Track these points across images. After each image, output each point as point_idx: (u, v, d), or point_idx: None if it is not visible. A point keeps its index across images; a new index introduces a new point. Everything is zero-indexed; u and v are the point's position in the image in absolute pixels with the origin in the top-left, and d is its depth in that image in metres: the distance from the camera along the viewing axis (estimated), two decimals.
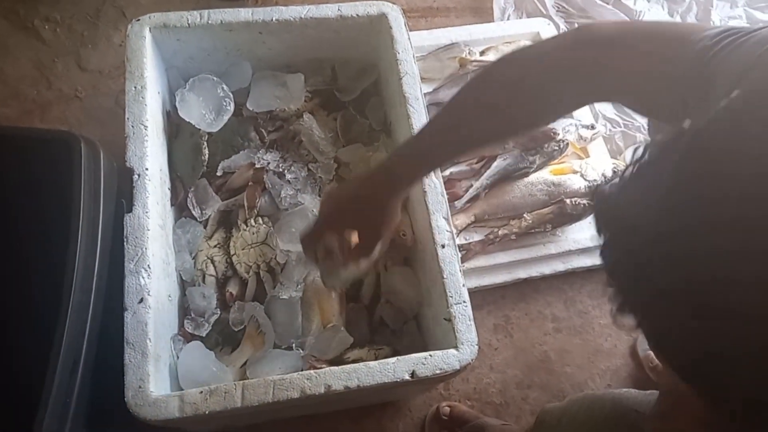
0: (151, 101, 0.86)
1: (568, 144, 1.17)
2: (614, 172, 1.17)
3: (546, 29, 1.33)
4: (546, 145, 1.15)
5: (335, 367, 0.72)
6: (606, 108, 1.34)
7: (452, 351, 0.74)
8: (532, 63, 0.58)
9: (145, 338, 0.71)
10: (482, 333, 1.09)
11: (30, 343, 0.71)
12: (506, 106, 0.58)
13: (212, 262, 0.90)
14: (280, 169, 0.96)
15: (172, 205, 0.92)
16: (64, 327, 0.70)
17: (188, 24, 0.92)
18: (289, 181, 0.95)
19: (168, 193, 0.91)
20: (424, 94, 0.92)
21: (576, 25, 1.40)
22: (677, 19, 1.42)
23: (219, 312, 0.87)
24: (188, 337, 0.84)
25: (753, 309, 0.30)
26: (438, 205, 0.83)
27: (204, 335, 0.85)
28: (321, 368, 0.72)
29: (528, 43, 1.28)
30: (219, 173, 0.96)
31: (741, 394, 0.34)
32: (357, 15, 0.96)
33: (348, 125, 1.03)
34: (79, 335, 0.72)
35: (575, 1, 1.43)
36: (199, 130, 0.94)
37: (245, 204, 0.93)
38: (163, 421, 0.67)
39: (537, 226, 1.12)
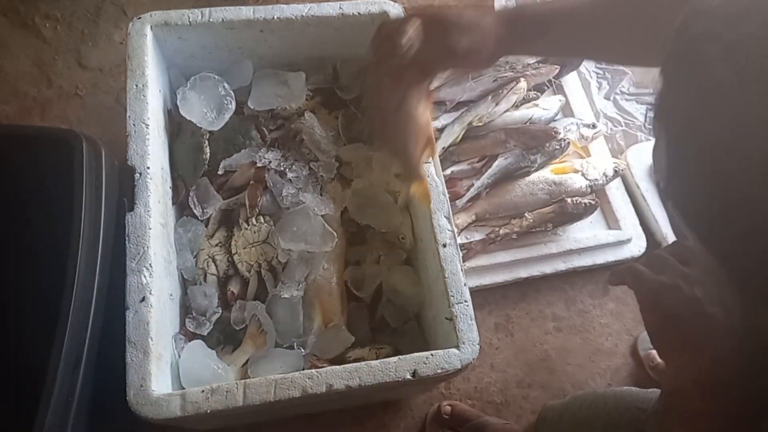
0: (152, 99, 0.86)
1: (569, 143, 1.17)
2: (615, 171, 1.18)
3: None
4: (547, 144, 1.16)
5: (337, 367, 0.72)
6: (607, 107, 1.34)
7: (453, 350, 0.74)
8: None
9: (147, 337, 0.71)
10: (483, 332, 1.10)
11: (32, 342, 0.71)
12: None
13: (214, 260, 0.90)
14: (282, 168, 0.96)
15: (173, 203, 0.92)
16: (66, 325, 0.70)
17: (189, 22, 0.91)
18: (290, 179, 0.95)
19: (169, 191, 0.91)
20: None
21: None
22: None
23: (220, 311, 0.87)
24: (190, 336, 0.84)
25: None
26: (439, 204, 0.83)
27: (205, 334, 0.85)
28: (322, 367, 0.72)
29: None
30: (220, 172, 0.96)
31: None
32: (359, 13, 0.96)
33: (349, 124, 1.03)
34: (81, 334, 0.72)
35: None
36: (201, 128, 0.94)
37: (246, 203, 0.93)
38: (165, 419, 0.67)
39: (538, 225, 1.12)
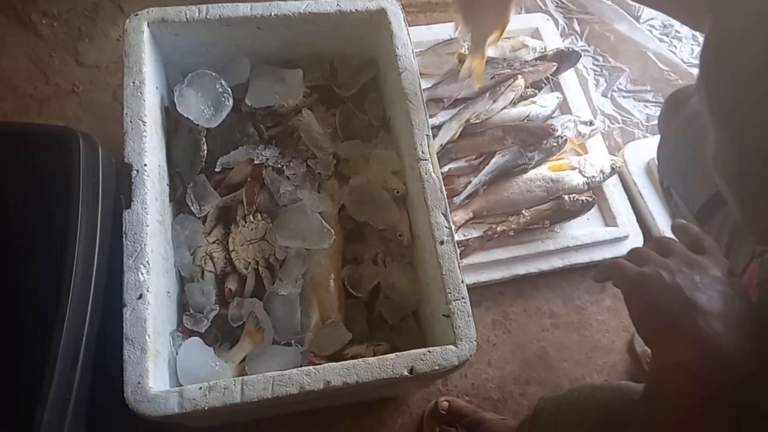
0: (149, 97, 0.86)
1: (566, 140, 1.17)
2: (612, 168, 1.18)
3: (545, 25, 1.34)
4: (544, 142, 1.16)
5: (334, 363, 0.72)
6: (604, 104, 1.34)
7: (451, 347, 0.74)
8: None
9: (144, 334, 0.71)
10: (481, 329, 1.10)
11: (29, 339, 0.71)
12: None
13: (211, 258, 0.90)
14: (279, 165, 0.96)
15: (170, 201, 0.92)
16: (64, 323, 0.70)
17: (186, 19, 0.91)
18: (287, 177, 0.95)
19: (167, 189, 0.91)
20: (423, 89, 0.92)
21: (575, 22, 1.41)
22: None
23: (218, 308, 0.87)
24: (187, 333, 0.84)
25: None
26: (437, 202, 0.83)
27: (203, 331, 0.85)
28: (320, 364, 0.72)
29: (528, 38, 1.28)
30: (218, 169, 0.96)
31: None
32: (356, 10, 0.95)
33: (347, 121, 1.03)
34: (78, 331, 0.72)
35: None
36: (198, 125, 0.94)
37: (244, 200, 0.93)
38: (163, 416, 0.67)
39: (535, 222, 1.12)
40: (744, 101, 0.45)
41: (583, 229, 1.16)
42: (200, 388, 0.68)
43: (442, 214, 0.82)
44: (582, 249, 1.14)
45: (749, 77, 0.44)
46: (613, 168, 1.18)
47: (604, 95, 1.36)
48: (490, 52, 1.24)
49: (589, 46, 1.41)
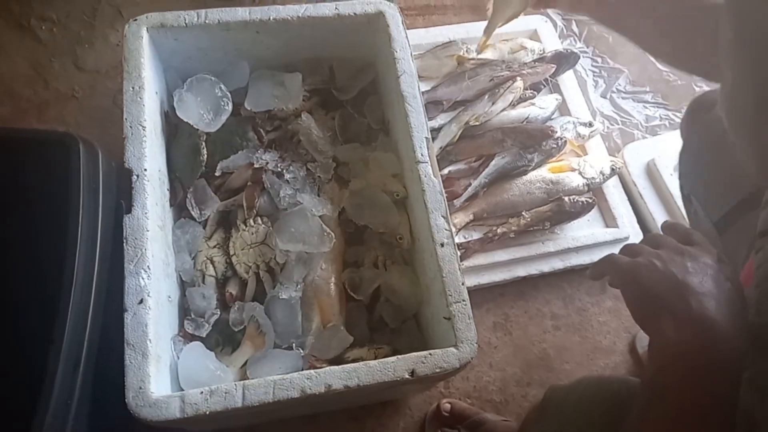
0: (149, 101, 0.86)
1: (566, 142, 1.17)
2: (612, 169, 1.18)
3: (543, 27, 1.34)
4: (544, 143, 1.16)
5: (335, 367, 0.72)
6: (603, 105, 1.34)
7: (452, 349, 0.74)
8: None
9: (146, 339, 0.71)
10: (481, 331, 1.10)
11: (31, 344, 0.71)
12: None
13: (212, 262, 0.90)
14: (279, 169, 0.96)
15: (171, 205, 0.92)
16: (65, 328, 0.70)
17: (185, 24, 0.91)
18: (287, 180, 0.95)
19: (167, 193, 0.91)
20: (422, 92, 0.92)
21: (574, 24, 1.41)
22: None
23: (219, 312, 0.87)
24: (188, 338, 0.84)
25: None
26: (437, 204, 0.83)
27: (204, 336, 0.85)
28: (321, 368, 0.72)
29: (526, 40, 1.28)
30: (218, 173, 0.96)
31: None
32: (354, 14, 0.96)
33: (346, 124, 1.03)
34: (79, 336, 0.72)
35: None
36: (198, 130, 0.94)
37: (244, 204, 0.93)
38: (164, 421, 0.67)
39: (536, 224, 1.12)
40: None
41: (584, 230, 1.16)
42: (202, 392, 0.68)
43: (442, 216, 0.82)
44: (582, 250, 1.14)
45: None
46: (612, 169, 1.18)
47: (603, 96, 1.36)
48: (489, 54, 1.25)
49: (587, 47, 1.41)
